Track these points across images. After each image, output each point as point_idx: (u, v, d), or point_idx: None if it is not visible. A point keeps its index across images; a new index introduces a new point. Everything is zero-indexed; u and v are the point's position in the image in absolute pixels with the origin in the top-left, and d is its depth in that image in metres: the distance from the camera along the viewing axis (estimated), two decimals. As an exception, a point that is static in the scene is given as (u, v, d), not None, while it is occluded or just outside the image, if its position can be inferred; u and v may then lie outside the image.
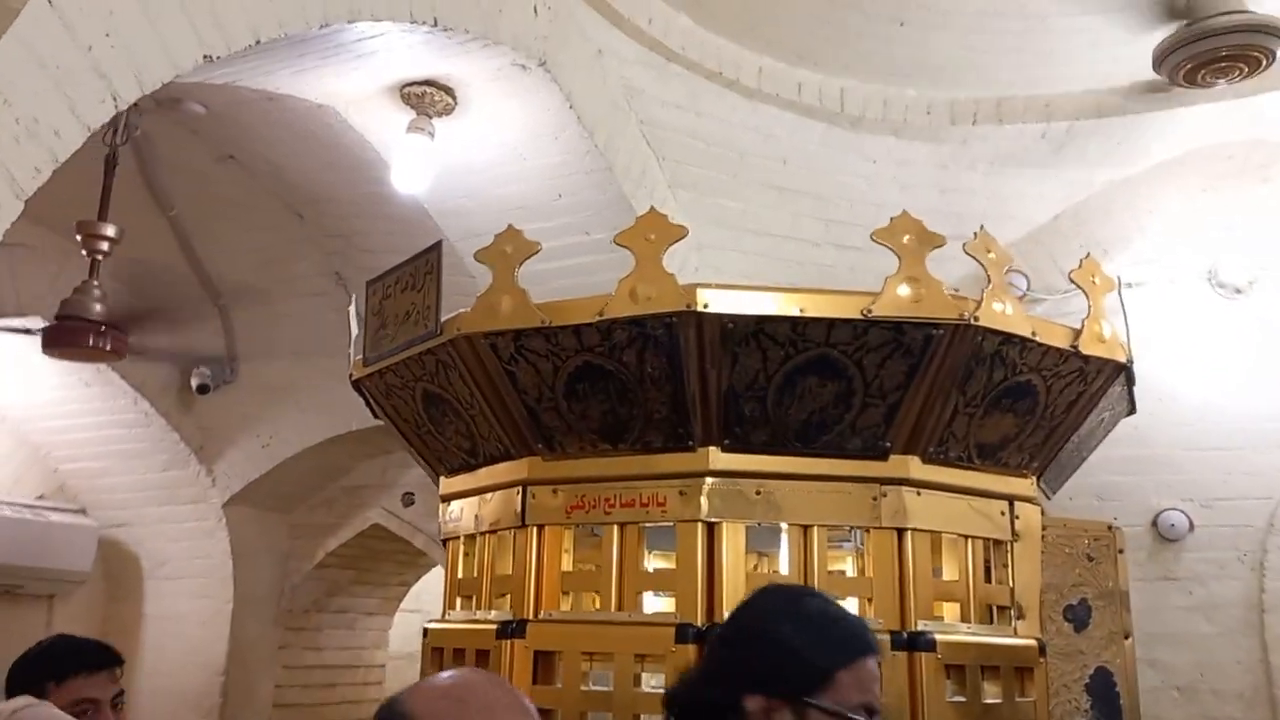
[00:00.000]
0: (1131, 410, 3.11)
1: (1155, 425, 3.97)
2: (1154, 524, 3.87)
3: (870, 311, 2.31)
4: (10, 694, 2.20)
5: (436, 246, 2.60)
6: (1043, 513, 2.76)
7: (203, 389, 4.87)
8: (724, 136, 4.07)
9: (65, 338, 3.51)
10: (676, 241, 2.39)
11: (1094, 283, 2.61)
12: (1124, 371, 2.67)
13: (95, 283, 3.59)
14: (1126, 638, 2.66)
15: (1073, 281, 2.61)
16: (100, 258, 3.60)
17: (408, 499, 5.35)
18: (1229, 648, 3.76)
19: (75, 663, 2.20)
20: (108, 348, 3.52)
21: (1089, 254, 2.68)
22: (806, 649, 1.55)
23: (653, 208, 2.43)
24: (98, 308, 3.54)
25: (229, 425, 5.14)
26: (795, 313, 2.30)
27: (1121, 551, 2.71)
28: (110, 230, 3.56)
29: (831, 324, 2.32)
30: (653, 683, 2.44)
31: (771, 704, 1.54)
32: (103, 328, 3.51)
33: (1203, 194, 4.09)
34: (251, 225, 4.67)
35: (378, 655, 6.15)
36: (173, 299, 4.96)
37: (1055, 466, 2.82)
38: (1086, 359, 2.55)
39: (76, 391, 4.96)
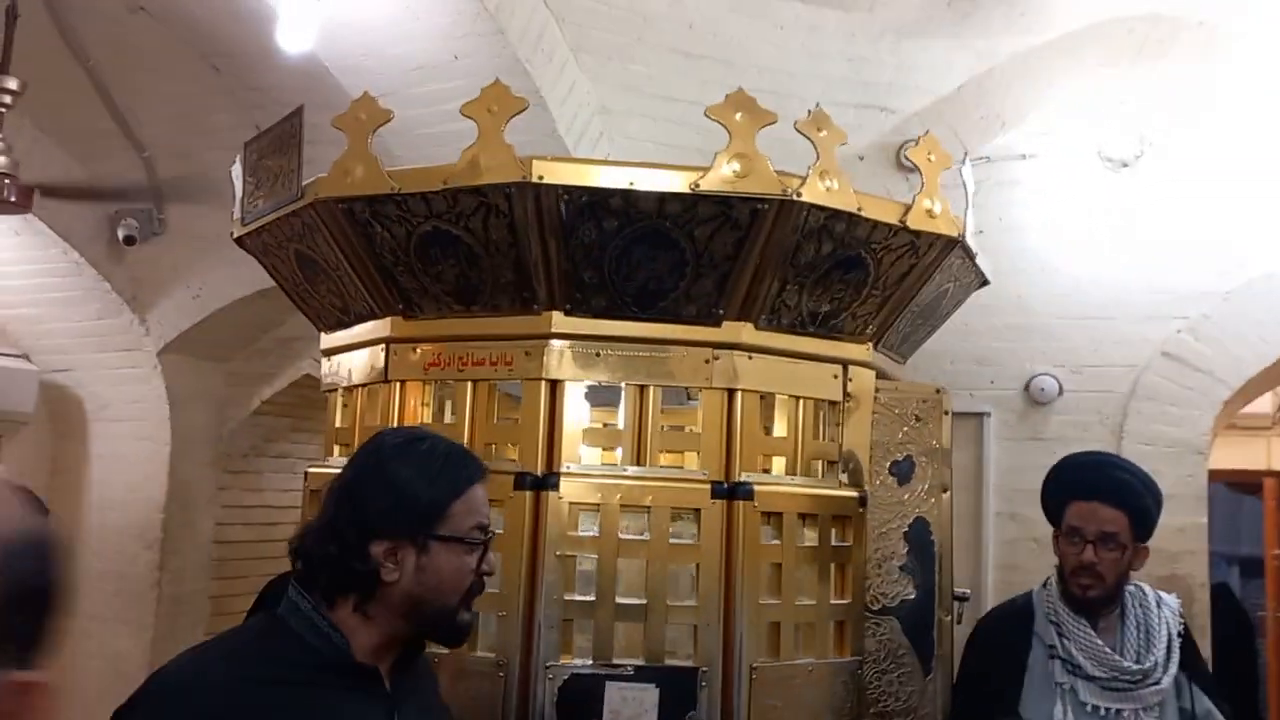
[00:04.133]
0: (984, 282, 3.26)
1: (1037, 295, 4.14)
2: (1026, 388, 4.08)
3: (698, 186, 2.44)
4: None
5: (298, 112, 2.69)
6: (880, 376, 2.95)
7: (129, 240, 4.97)
8: (628, 0, 4.09)
9: (-35, 189, 3.61)
10: (517, 114, 2.49)
11: (929, 160, 2.73)
12: (958, 246, 2.81)
13: (-1, 135, 3.66)
14: (945, 491, 2.89)
15: (907, 159, 2.73)
16: (4, 110, 3.66)
17: (338, 350, 5.52)
18: (1083, 504, 4.02)
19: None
20: (12, 199, 3.61)
21: (928, 131, 2.78)
22: (421, 488, 1.69)
23: (498, 79, 2.51)
24: (1, 159, 3.62)
25: (159, 276, 5.28)
26: (625, 186, 2.43)
27: (947, 413, 2.91)
28: (12, 83, 3.61)
29: (662, 198, 2.45)
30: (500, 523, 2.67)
31: (396, 545, 1.67)
32: (6, 179, 3.59)
33: (1101, 68, 4.15)
34: (169, 76, 4.70)
35: (319, 497, 6.45)
36: (98, 151, 5.02)
37: (895, 333, 2.99)
38: (917, 234, 2.69)
39: (7, 239, 5.06)
